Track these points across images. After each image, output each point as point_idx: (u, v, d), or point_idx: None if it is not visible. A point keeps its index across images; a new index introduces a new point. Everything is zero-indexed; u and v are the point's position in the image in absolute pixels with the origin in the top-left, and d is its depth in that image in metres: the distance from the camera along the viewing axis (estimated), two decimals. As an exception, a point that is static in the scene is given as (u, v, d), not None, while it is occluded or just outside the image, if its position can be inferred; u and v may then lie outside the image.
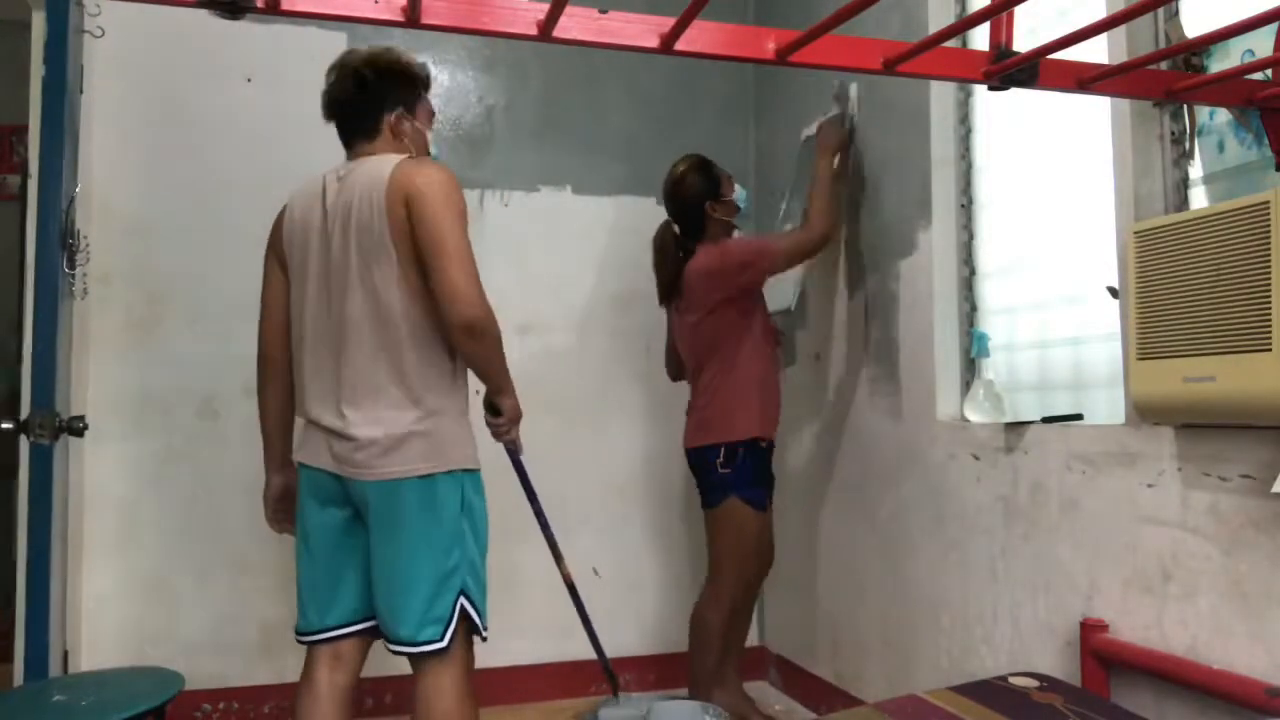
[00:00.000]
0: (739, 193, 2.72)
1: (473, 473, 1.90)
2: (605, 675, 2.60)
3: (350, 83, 1.93)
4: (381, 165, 1.84)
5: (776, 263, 2.57)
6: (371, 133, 1.94)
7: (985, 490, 2.18)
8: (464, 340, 1.81)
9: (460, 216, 1.81)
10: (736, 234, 2.78)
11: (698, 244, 2.65)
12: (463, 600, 1.84)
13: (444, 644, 1.81)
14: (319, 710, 1.90)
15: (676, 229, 2.71)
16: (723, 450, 2.58)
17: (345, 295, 1.84)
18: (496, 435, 2.09)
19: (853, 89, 2.76)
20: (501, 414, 2.03)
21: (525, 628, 3.10)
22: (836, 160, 2.65)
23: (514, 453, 2.19)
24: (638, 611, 3.25)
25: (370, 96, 1.93)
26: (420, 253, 1.79)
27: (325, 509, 1.91)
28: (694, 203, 2.64)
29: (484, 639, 1.92)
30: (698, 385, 2.69)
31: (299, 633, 1.95)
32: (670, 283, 2.71)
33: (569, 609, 3.21)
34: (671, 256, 2.69)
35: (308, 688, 1.92)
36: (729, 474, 2.57)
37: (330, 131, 2.90)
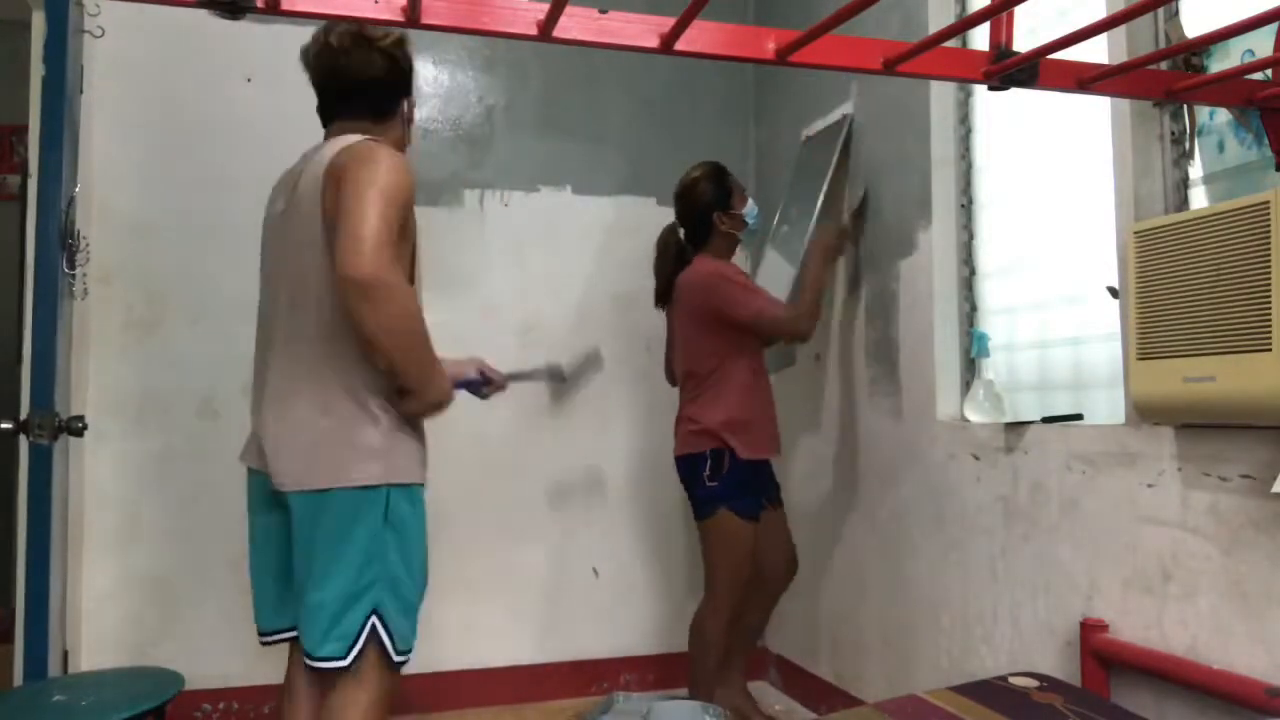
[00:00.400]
0: (750, 208, 2.67)
1: (404, 486, 1.72)
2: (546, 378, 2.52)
3: (380, 59, 1.80)
4: (339, 142, 1.70)
5: (758, 326, 2.54)
6: (386, 115, 1.85)
7: (985, 490, 2.18)
8: (352, 306, 1.55)
9: (383, 191, 1.58)
10: (738, 253, 2.77)
11: (698, 252, 2.64)
12: (374, 619, 1.67)
13: (346, 662, 1.66)
14: (294, 710, 1.84)
15: (681, 233, 2.70)
16: (708, 459, 2.55)
17: (279, 287, 1.72)
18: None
19: (847, 117, 2.76)
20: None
21: (525, 628, 3.10)
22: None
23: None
24: (637, 612, 3.25)
25: (399, 78, 1.84)
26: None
27: (270, 511, 1.79)
28: (703, 210, 2.63)
29: (397, 663, 1.72)
30: (686, 395, 2.67)
31: (260, 633, 1.87)
32: (667, 285, 2.71)
33: (569, 609, 3.22)
34: (671, 259, 2.69)
35: (285, 687, 1.88)
36: (716, 487, 2.54)
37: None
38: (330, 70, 1.82)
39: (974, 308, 2.41)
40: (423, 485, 1.78)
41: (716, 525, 2.56)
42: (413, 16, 1.18)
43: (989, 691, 1.73)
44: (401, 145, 1.92)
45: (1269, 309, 1.40)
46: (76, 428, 2.10)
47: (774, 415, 2.67)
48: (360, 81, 1.82)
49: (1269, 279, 1.39)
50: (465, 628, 3.06)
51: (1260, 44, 1.61)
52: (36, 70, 2.22)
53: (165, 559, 2.84)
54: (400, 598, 1.71)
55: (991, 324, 2.36)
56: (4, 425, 1.96)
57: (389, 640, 1.69)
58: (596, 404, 3.28)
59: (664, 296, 2.74)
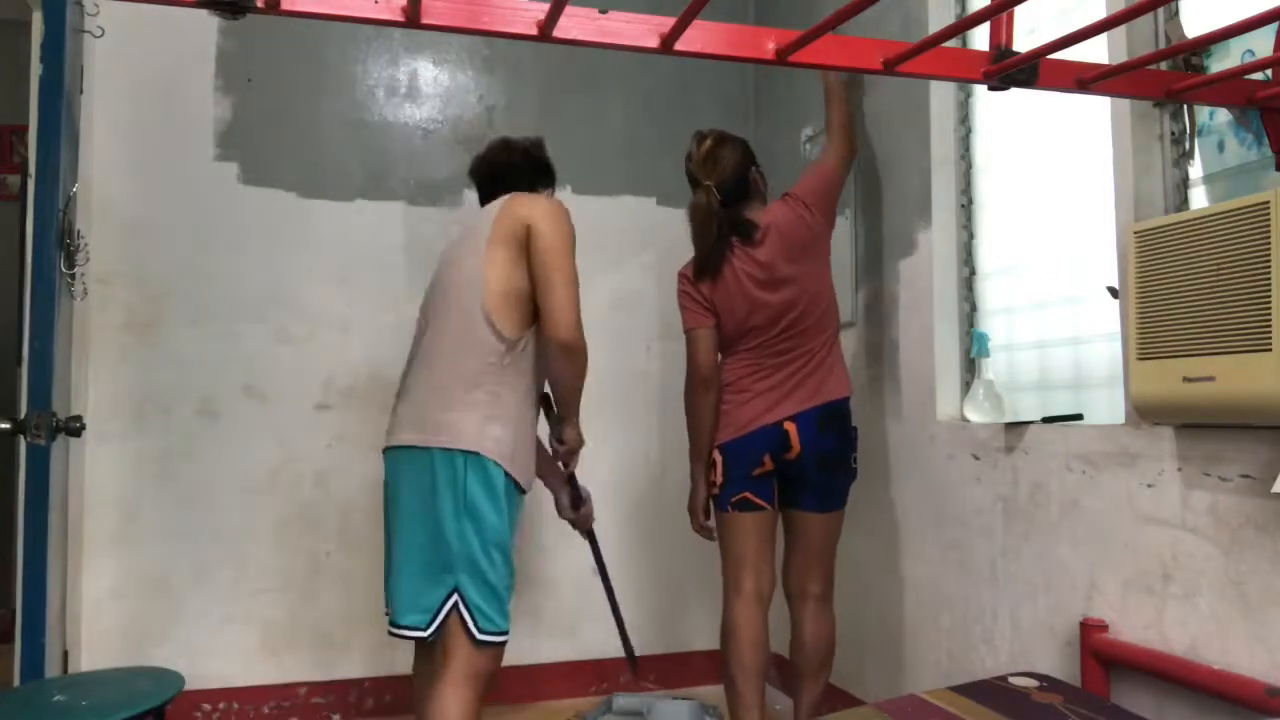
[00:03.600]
0: None
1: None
2: (630, 665, 2.60)
3: (522, 159, 2.29)
4: None
5: (843, 180, 2.45)
6: None
7: (985, 490, 2.18)
8: None
9: None
10: None
11: (744, 209, 2.39)
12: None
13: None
14: None
15: (719, 197, 2.35)
16: (857, 433, 2.42)
17: None
18: None
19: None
20: None
21: (526, 628, 3.10)
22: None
23: None
24: (638, 612, 3.24)
25: None
26: None
27: None
28: (741, 169, 2.40)
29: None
30: (803, 351, 2.35)
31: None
32: (713, 252, 2.36)
33: (569, 609, 3.21)
34: (716, 223, 2.35)
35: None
36: (856, 465, 2.43)
37: (328, 131, 2.91)
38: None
39: (974, 308, 2.41)
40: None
41: (842, 517, 2.44)
42: (413, 16, 1.18)
43: (989, 691, 1.73)
44: None
45: (1269, 309, 1.40)
46: (74, 428, 2.09)
47: None
48: None
49: (1269, 279, 1.39)
50: (465, 628, 3.06)
51: (1260, 44, 1.61)
52: (36, 70, 2.21)
53: (165, 559, 2.84)
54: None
55: (991, 324, 2.36)
56: (2, 425, 1.96)
57: None
58: (596, 404, 3.27)
59: (712, 266, 2.38)
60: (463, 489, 1.90)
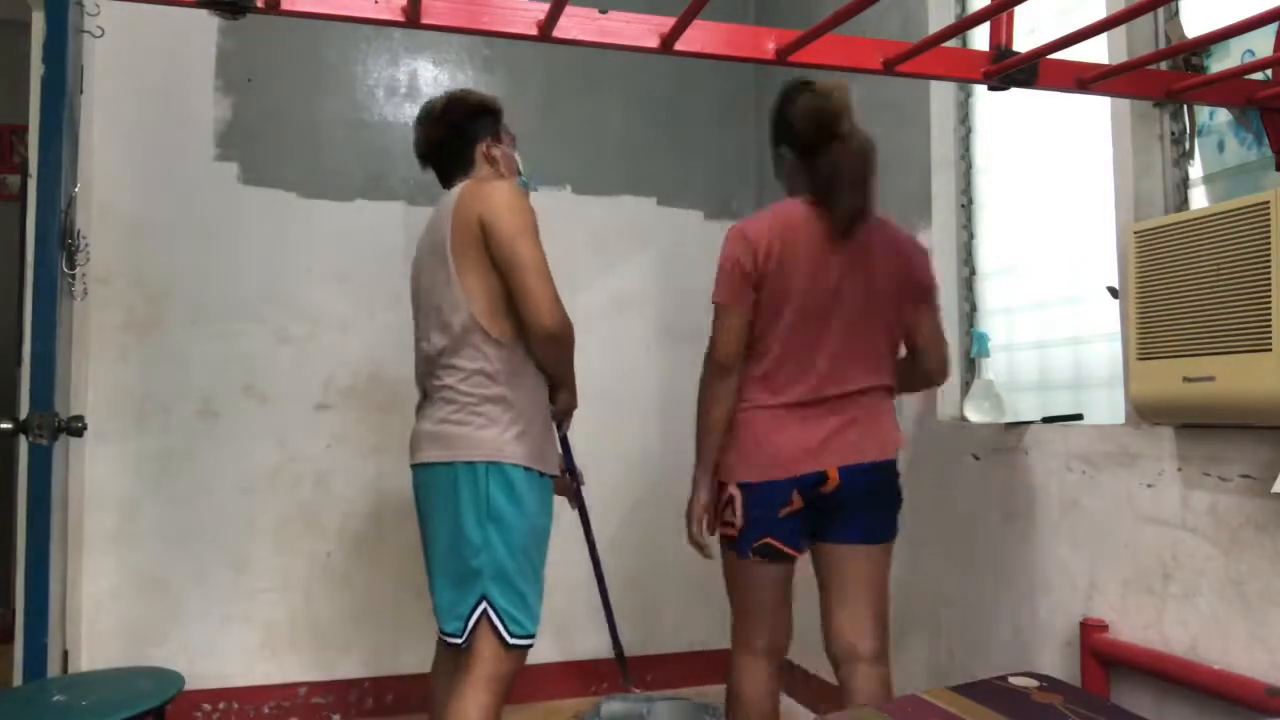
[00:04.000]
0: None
1: None
2: (620, 667, 2.60)
3: (441, 130, 2.14)
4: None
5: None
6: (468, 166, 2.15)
7: (985, 490, 2.18)
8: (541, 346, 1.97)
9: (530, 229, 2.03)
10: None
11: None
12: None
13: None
14: None
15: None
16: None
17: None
18: None
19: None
20: None
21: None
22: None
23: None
24: (638, 612, 3.24)
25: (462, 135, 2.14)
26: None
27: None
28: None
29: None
30: (864, 373, 1.89)
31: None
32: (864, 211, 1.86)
33: (568, 609, 3.21)
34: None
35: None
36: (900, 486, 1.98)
37: (328, 131, 2.92)
38: None
39: (974, 308, 2.41)
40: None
41: (892, 550, 1.99)
42: (413, 16, 1.18)
43: (989, 691, 1.73)
44: None
45: (1269, 309, 1.40)
46: (76, 428, 2.10)
47: None
48: None
49: (1269, 279, 1.40)
50: (465, 628, 3.06)
51: (1260, 44, 1.61)
52: (36, 70, 2.21)
53: (165, 559, 2.84)
54: None
55: (991, 324, 2.36)
56: (4, 425, 1.96)
57: None
58: (595, 404, 3.27)
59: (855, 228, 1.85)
60: (485, 498, 1.92)
